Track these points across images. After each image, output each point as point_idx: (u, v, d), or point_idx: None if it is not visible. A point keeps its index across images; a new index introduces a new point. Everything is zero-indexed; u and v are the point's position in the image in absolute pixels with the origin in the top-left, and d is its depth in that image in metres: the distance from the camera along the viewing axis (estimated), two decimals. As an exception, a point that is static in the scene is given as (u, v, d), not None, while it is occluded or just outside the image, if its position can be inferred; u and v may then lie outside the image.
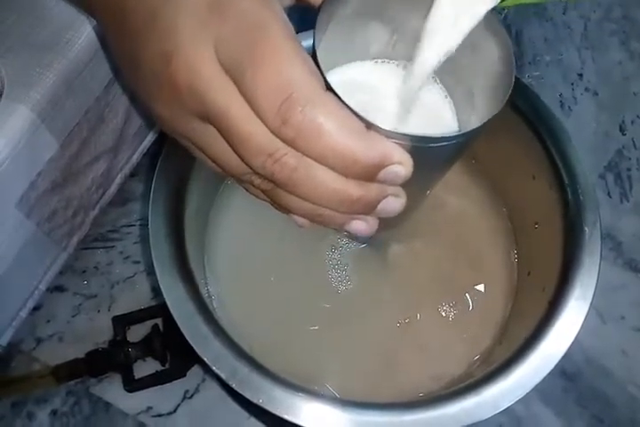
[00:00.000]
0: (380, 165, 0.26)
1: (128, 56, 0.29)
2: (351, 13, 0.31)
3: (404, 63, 0.33)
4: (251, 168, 0.27)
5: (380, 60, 0.34)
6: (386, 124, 0.26)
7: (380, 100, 0.32)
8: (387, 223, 0.30)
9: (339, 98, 0.25)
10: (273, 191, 0.28)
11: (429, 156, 0.28)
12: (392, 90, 0.32)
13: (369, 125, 0.26)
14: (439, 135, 0.27)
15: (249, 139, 0.25)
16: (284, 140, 0.25)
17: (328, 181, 0.26)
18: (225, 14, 0.25)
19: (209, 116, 0.26)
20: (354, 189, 0.26)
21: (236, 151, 0.27)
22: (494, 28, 0.30)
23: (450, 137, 0.27)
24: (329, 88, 0.26)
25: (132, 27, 0.28)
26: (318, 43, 0.28)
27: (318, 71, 0.26)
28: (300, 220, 0.30)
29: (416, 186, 0.29)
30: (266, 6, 0.26)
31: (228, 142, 0.27)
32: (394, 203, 0.28)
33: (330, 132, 0.24)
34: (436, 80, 0.34)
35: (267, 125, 0.25)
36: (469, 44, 0.29)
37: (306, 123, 0.24)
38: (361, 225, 0.29)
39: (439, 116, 0.33)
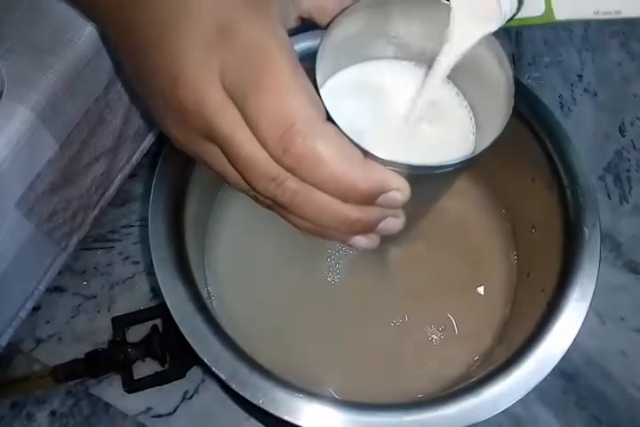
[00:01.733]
0: (379, 192, 0.27)
1: (138, 72, 0.29)
2: (355, 33, 0.31)
3: (420, 63, 0.34)
4: (254, 190, 0.28)
5: (395, 59, 0.34)
6: (396, 131, 0.27)
7: (394, 99, 0.32)
8: (388, 237, 0.31)
9: (338, 128, 0.26)
10: (277, 208, 0.29)
11: (428, 179, 0.29)
12: (407, 90, 0.33)
13: (366, 154, 0.27)
14: (436, 164, 0.28)
15: (252, 164, 0.26)
16: (285, 168, 0.26)
17: (328, 205, 0.27)
18: (231, 41, 0.26)
19: (215, 140, 0.27)
20: (353, 212, 0.27)
21: (240, 173, 0.28)
22: (497, 52, 0.31)
23: (447, 165, 0.28)
24: (329, 118, 0.27)
25: (141, 44, 0.28)
26: (319, 64, 0.28)
27: (319, 100, 0.27)
28: (304, 231, 0.31)
29: (417, 205, 0.30)
30: (271, 34, 0.26)
31: (232, 165, 0.28)
32: (393, 223, 0.29)
33: (329, 162, 0.25)
34: (455, 90, 0.34)
35: (269, 153, 0.26)
36: (474, 66, 0.29)
37: (306, 153, 0.25)
38: (362, 241, 0.30)
39: (458, 124, 0.33)
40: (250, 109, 0.25)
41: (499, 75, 0.31)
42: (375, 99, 0.32)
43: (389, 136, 0.31)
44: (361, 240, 0.30)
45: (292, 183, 0.26)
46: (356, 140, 0.26)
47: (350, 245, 0.30)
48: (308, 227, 0.29)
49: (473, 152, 0.31)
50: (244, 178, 0.28)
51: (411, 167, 0.27)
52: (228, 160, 0.28)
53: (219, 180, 0.30)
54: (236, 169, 0.28)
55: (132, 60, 0.30)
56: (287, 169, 0.26)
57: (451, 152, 0.31)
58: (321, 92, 0.28)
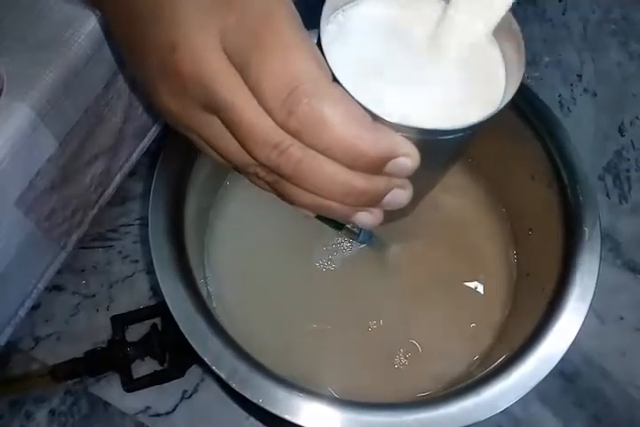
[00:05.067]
0: (387, 158, 0.26)
1: (133, 44, 0.28)
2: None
3: None
4: (256, 160, 0.27)
5: None
6: (415, 74, 0.26)
7: (415, 37, 0.29)
8: (391, 215, 0.30)
9: (345, 90, 0.25)
10: (278, 183, 0.28)
11: (437, 146, 0.28)
12: (430, 26, 0.29)
13: (375, 117, 0.25)
14: (447, 128, 0.26)
15: (254, 130, 0.25)
16: (289, 133, 0.25)
17: (334, 174, 0.26)
18: (231, 3, 0.25)
19: (214, 107, 0.26)
20: (360, 182, 0.26)
21: (240, 143, 0.26)
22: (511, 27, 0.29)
23: (458, 129, 0.26)
24: (335, 80, 0.25)
25: (137, 14, 0.27)
26: (324, 33, 0.27)
27: (325, 62, 0.25)
28: (306, 211, 0.29)
29: (423, 178, 0.28)
30: None
31: (232, 134, 0.26)
32: (400, 195, 0.28)
33: (336, 125, 0.24)
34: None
35: (272, 117, 0.25)
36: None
37: (312, 115, 0.24)
38: (366, 217, 0.29)
39: (490, 72, 0.30)
40: (251, 71, 0.24)
41: (515, 31, 0.28)
42: (393, 35, 0.29)
43: (406, 81, 0.28)
44: (365, 216, 0.28)
45: (297, 150, 0.25)
46: (365, 92, 0.25)
47: (353, 222, 0.29)
48: (311, 203, 0.28)
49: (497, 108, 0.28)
50: (244, 147, 0.26)
51: (421, 131, 0.25)
52: (228, 128, 0.26)
53: (218, 162, 0.29)
54: (236, 138, 0.26)
55: (128, 33, 0.29)
56: (291, 134, 0.25)
57: (474, 109, 0.28)
58: (329, 28, 0.26)
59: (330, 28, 0.28)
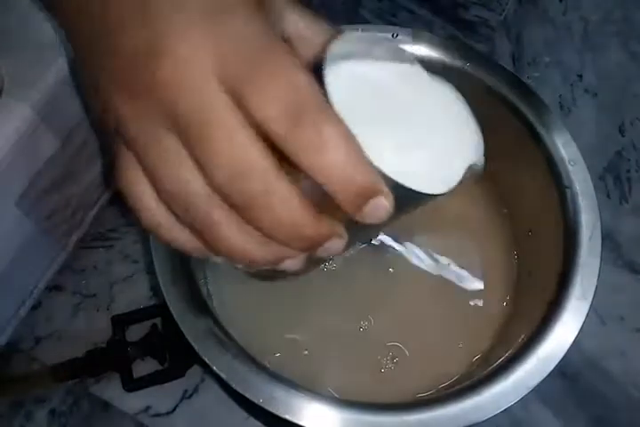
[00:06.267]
0: (372, 193, 0.25)
1: (103, 49, 0.26)
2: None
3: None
4: (211, 182, 0.25)
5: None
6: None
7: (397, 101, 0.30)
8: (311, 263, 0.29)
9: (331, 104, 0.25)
10: (211, 227, 0.26)
11: (413, 203, 0.28)
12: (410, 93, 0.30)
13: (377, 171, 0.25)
14: (436, 192, 0.26)
15: (222, 151, 0.24)
16: (288, 152, 0.24)
17: (294, 211, 0.25)
18: (225, 24, 0.24)
19: (182, 120, 0.24)
20: (316, 223, 0.25)
21: (201, 162, 0.24)
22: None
23: (443, 194, 0.26)
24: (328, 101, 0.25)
25: (115, 16, 0.25)
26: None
27: (318, 81, 0.25)
28: (228, 260, 0.28)
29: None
30: (269, 28, 0.25)
31: (191, 152, 0.25)
32: (337, 244, 0.27)
33: (334, 149, 0.24)
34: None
35: (272, 133, 0.24)
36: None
37: (314, 136, 0.23)
38: (291, 264, 0.28)
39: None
40: (249, 88, 0.23)
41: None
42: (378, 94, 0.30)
43: (397, 138, 0.29)
44: (291, 263, 0.27)
45: (264, 182, 0.24)
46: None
47: (274, 268, 0.28)
48: (240, 247, 0.26)
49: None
50: (203, 167, 0.24)
51: (415, 194, 0.26)
52: (186, 148, 0.24)
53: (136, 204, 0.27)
54: (195, 157, 0.24)
55: (100, 36, 0.26)
56: (289, 153, 0.24)
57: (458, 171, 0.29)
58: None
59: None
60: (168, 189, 0.26)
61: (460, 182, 0.28)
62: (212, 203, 0.25)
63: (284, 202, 0.25)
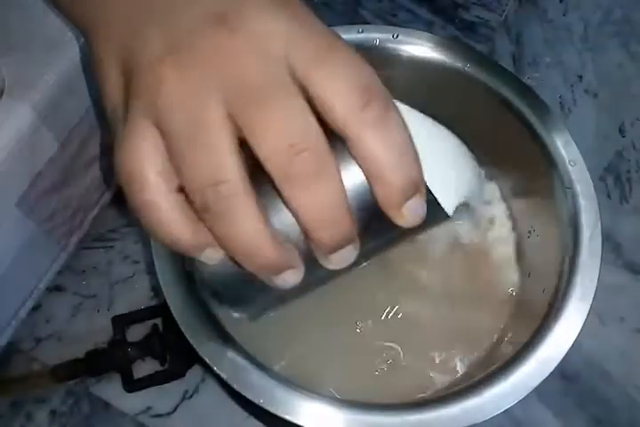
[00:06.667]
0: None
1: (160, 12, 0.26)
2: None
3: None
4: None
5: None
6: None
7: None
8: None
9: None
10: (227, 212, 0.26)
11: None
12: None
13: None
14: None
15: (281, 130, 0.24)
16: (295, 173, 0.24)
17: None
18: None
19: (240, 92, 0.24)
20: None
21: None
22: None
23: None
24: None
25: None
26: None
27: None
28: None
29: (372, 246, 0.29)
30: None
31: (241, 123, 0.25)
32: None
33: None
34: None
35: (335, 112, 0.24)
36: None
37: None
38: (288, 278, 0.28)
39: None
40: (319, 72, 0.24)
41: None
42: None
43: None
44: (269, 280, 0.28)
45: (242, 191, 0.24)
46: None
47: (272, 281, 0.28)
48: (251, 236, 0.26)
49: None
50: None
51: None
52: (241, 123, 0.24)
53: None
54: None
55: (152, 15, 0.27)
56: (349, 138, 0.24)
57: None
58: None
59: None
60: (194, 170, 0.25)
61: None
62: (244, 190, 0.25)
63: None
